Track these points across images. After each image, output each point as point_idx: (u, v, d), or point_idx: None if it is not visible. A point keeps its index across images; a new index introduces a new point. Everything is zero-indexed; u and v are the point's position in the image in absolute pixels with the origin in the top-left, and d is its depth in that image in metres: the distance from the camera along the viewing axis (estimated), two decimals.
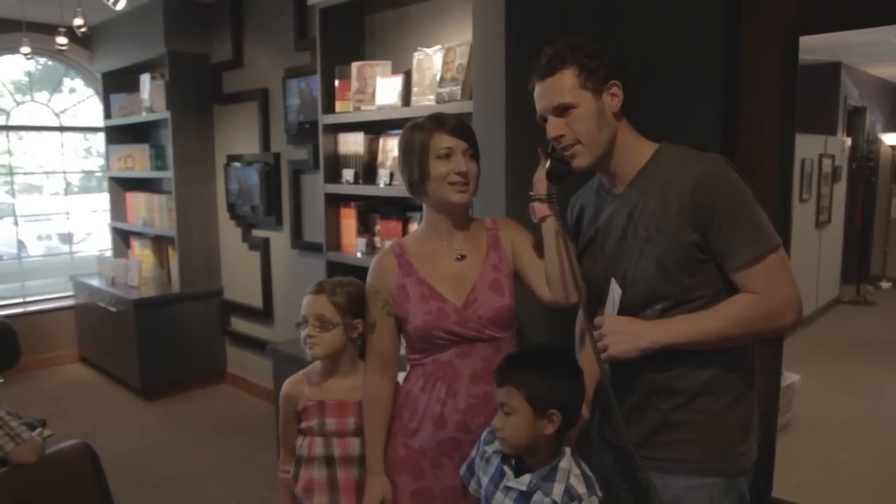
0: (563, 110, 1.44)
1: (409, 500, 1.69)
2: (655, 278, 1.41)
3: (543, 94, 1.46)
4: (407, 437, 1.69)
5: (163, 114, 4.58)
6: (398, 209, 3.08)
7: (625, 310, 1.46)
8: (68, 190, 5.70)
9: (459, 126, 1.65)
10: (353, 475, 1.80)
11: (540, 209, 1.59)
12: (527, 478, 1.46)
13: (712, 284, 1.40)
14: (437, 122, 1.64)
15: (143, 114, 4.82)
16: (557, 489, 1.43)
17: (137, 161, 5.08)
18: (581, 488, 1.44)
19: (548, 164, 1.55)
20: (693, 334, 1.38)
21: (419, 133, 1.64)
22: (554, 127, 1.45)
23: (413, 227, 2.98)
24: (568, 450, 1.48)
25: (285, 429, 1.88)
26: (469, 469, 1.61)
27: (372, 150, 3.15)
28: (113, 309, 4.68)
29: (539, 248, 1.65)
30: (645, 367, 1.45)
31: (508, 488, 1.48)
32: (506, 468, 1.49)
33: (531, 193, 1.61)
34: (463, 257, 1.68)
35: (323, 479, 1.79)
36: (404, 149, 1.67)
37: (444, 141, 1.61)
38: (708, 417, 1.45)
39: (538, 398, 1.41)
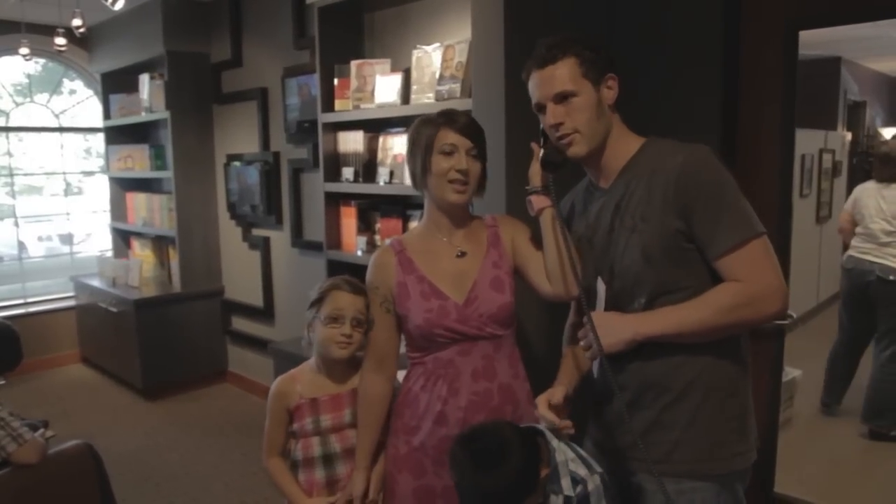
0: (563, 98, 1.44)
1: (411, 497, 1.68)
2: (640, 268, 1.40)
3: (543, 82, 1.46)
4: (408, 435, 1.69)
5: (162, 114, 4.57)
6: (398, 207, 3.07)
7: (612, 304, 1.46)
8: (68, 191, 5.70)
9: (469, 124, 1.64)
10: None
11: (537, 201, 1.59)
12: None
13: (697, 275, 1.39)
14: (447, 117, 1.63)
15: (143, 114, 4.82)
16: (565, 484, 1.41)
17: (137, 161, 5.08)
18: (582, 471, 1.42)
19: (541, 152, 1.55)
20: (677, 325, 1.36)
21: (427, 127, 1.64)
22: (554, 114, 1.45)
23: (413, 224, 2.98)
24: (555, 442, 1.45)
25: (272, 427, 1.81)
26: None
27: (371, 149, 3.14)
28: (114, 309, 4.69)
29: (539, 242, 1.65)
30: (634, 363, 1.43)
31: None
32: None
33: (527, 188, 1.61)
34: (463, 254, 1.68)
35: (322, 480, 1.76)
36: (412, 142, 1.67)
37: (448, 137, 1.61)
38: (700, 415, 1.41)
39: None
